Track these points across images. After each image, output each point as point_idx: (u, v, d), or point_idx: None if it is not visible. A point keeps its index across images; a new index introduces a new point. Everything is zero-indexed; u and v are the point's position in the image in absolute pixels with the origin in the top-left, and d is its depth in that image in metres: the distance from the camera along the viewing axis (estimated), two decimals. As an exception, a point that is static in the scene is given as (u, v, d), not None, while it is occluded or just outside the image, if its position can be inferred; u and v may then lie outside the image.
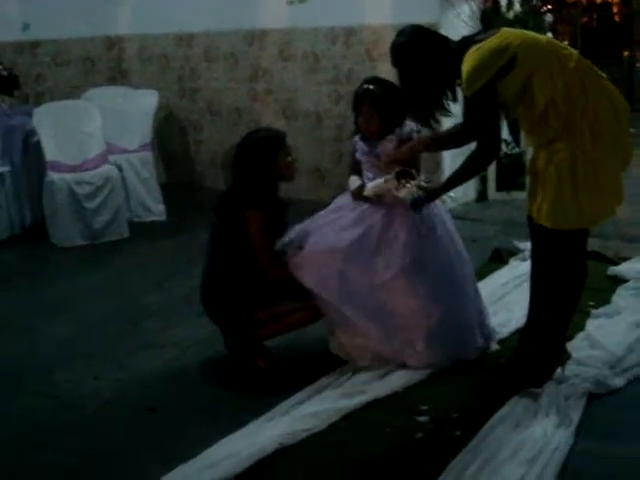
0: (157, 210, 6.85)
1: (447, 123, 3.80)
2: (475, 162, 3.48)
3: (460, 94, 3.42)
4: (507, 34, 3.34)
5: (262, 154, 3.75)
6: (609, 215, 3.38)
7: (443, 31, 4.00)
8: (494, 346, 3.91)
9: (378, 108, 3.81)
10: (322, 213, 3.95)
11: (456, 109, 3.51)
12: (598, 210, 3.31)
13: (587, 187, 3.21)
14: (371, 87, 3.83)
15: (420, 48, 3.42)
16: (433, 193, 3.62)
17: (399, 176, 3.62)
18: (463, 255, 3.92)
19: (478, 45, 3.27)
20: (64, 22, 7.21)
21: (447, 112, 3.52)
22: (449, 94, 3.47)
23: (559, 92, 3.19)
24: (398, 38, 3.48)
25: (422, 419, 3.27)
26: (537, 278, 3.54)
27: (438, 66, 3.40)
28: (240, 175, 3.79)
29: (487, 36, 3.33)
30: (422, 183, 3.59)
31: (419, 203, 3.57)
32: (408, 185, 3.58)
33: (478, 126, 3.36)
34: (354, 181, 3.96)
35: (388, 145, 3.84)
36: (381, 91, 3.82)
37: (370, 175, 3.92)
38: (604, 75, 3.33)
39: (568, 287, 3.44)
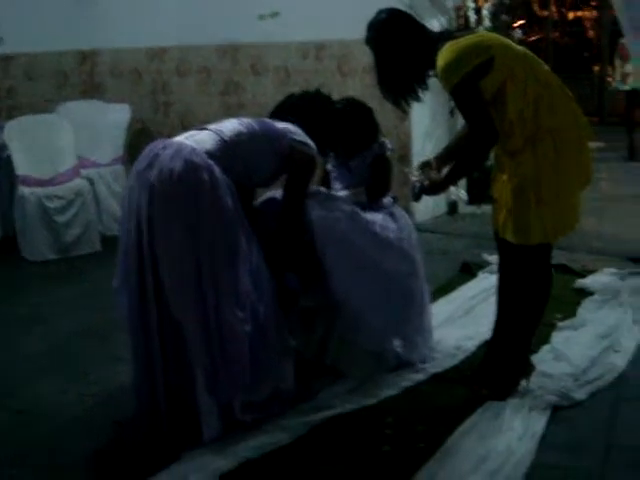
0: (128, 224, 6.81)
1: (416, 107, 3.73)
2: (473, 151, 3.37)
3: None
4: (487, 36, 3.40)
5: None
6: (569, 230, 3.42)
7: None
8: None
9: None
10: None
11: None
12: (560, 225, 3.35)
13: (550, 202, 3.26)
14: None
15: (398, 27, 3.39)
16: (437, 184, 3.52)
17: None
18: (417, 273, 3.92)
19: (457, 40, 3.27)
20: (37, 36, 7.19)
21: (418, 97, 3.48)
22: (421, 80, 3.43)
23: (529, 104, 3.22)
24: (377, 15, 3.44)
25: (388, 432, 3.28)
26: (504, 290, 3.59)
27: (414, 49, 3.36)
28: None
29: (466, 33, 3.36)
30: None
31: (422, 191, 3.53)
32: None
33: (469, 116, 3.29)
34: None
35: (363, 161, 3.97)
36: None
37: (339, 186, 4.01)
38: (571, 95, 3.37)
39: (533, 299, 3.50)
